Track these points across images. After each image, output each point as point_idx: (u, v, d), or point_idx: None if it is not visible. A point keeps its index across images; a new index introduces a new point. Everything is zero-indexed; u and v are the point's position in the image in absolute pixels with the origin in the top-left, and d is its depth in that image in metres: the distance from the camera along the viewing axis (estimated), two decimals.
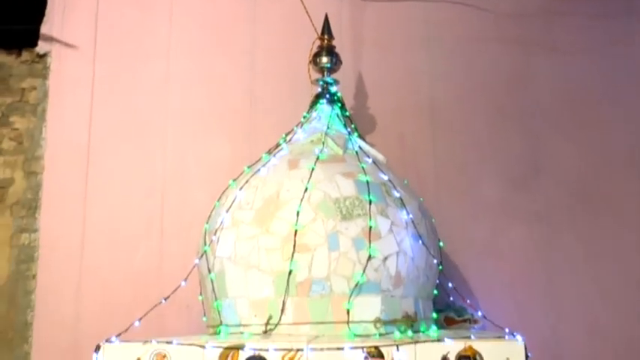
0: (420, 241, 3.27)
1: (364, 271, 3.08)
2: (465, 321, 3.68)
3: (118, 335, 3.03)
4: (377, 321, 3.10)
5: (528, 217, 4.29)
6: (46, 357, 4.37)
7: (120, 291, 4.29)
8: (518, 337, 2.83)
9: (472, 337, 2.85)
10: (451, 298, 3.81)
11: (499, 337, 2.88)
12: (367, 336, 3.00)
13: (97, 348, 2.95)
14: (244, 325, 3.16)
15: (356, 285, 3.07)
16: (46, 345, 4.40)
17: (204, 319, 3.52)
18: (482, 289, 4.02)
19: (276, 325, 3.09)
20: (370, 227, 3.13)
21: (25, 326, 4.48)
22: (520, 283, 4.19)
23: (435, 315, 3.50)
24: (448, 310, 3.72)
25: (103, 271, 4.41)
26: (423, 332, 3.21)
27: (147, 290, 3.93)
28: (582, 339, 4.08)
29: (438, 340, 2.84)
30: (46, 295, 4.47)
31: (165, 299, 3.40)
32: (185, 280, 3.42)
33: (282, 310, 3.09)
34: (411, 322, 3.19)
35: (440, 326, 3.56)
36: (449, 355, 2.79)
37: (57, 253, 4.49)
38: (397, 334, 3.03)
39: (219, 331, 3.23)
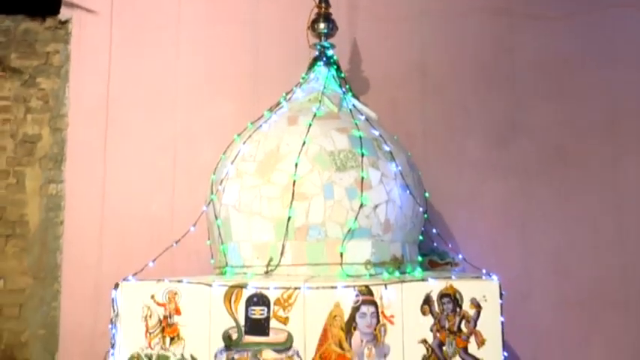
0: (408, 191, 3.23)
1: (356, 218, 3.04)
2: (447, 264, 3.66)
3: (135, 275, 3.01)
4: (367, 263, 3.07)
5: (506, 172, 4.25)
6: (74, 294, 4.41)
7: (137, 237, 4.29)
8: (494, 277, 2.80)
9: (453, 277, 2.83)
10: (435, 244, 3.78)
11: (477, 277, 2.86)
12: (358, 276, 2.98)
13: (116, 286, 2.94)
14: (247, 267, 3.14)
15: (349, 230, 3.04)
16: (73, 284, 4.43)
17: (212, 261, 3.50)
18: (463, 236, 4.00)
19: (276, 266, 3.07)
20: (362, 178, 3.09)
21: (55, 267, 4.50)
22: (497, 230, 4.17)
23: (420, 258, 3.47)
24: (432, 254, 3.70)
25: (122, 218, 4.41)
26: (409, 273, 3.20)
27: (161, 236, 3.90)
28: (550, 279, 4.11)
29: (423, 280, 2.82)
30: (72, 239, 4.48)
31: (177, 242, 3.37)
32: (194, 225, 3.39)
33: (282, 253, 3.06)
34: (398, 264, 3.17)
35: (424, 268, 3.54)
36: (432, 294, 2.78)
37: (81, 202, 4.50)
38: (386, 275, 3.01)
39: (225, 272, 3.21)
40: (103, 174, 4.47)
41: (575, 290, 4.10)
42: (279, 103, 3.67)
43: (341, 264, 3.01)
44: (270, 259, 3.07)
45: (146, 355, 2.86)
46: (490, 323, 2.73)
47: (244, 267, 3.14)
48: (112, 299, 2.92)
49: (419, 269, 3.30)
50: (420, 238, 3.51)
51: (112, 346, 2.90)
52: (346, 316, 2.76)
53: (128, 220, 4.37)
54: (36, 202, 4.56)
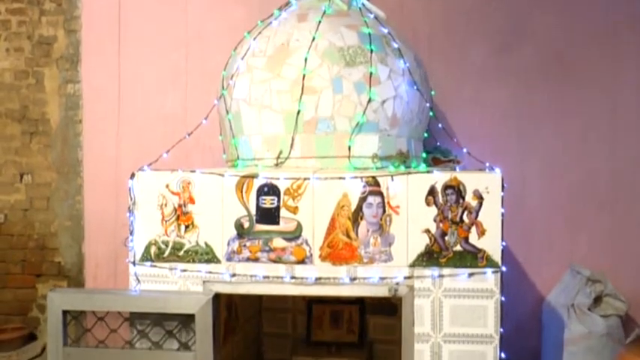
0: (415, 87, 3.02)
1: (364, 112, 2.85)
2: (449, 161, 3.50)
3: (150, 165, 2.86)
4: (374, 156, 2.91)
5: (508, 78, 4.01)
6: (95, 187, 4.31)
7: (152, 133, 4.12)
8: (497, 170, 2.65)
9: (457, 169, 2.65)
10: (438, 143, 3.60)
11: (480, 170, 2.69)
12: (365, 169, 2.83)
13: (132, 176, 2.81)
14: (258, 159, 2.98)
15: (357, 124, 2.86)
16: (94, 178, 4.33)
17: (224, 156, 3.34)
18: (465, 137, 3.79)
19: (286, 158, 2.91)
20: (371, 73, 2.87)
21: (76, 162, 4.38)
22: (495, 134, 3.97)
23: (424, 155, 3.30)
24: (435, 151, 3.53)
25: (137, 116, 4.24)
26: (414, 168, 3.03)
27: (175, 132, 3.71)
28: (543, 181, 3.95)
29: (427, 172, 2.66)
30: (91, 136, 4.34)
31: (189, 134, 3.21)
32: (206, 118, 3.22)
33: (292, 146, 2.90)
34: (404, 158, 3.00)
35: (428, 165, 3.37)
36: (436, 185, 2.63)
37: (98, 101, 4.33)
38: (391, 168, 2.85)
39: (237, 165, 3.06)
40: (118, 74, 4.26)
41: (565, 192, 3.96)
42: (288, 3, 3.38)
43: (349, 157, 2.85)
44: (280, 152, 2.91)
45: (163, 242, 2.76)
46: (491, 214, 2.60)
47: (255, 160, 2.99)
48: (129, 188, 2.79)
49: (423, 165, 3.13)
50: (425, 135, 3.33)
51: (131, 233, 2.79)
52: (353, 206, 2.63)
53: (143, 118, 4.21)
54: (55, 102, 4.38)
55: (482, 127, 4.03)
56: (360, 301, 4.12)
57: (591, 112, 3.97)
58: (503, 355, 2.63)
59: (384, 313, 4.09)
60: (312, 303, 4.14)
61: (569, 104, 3.99)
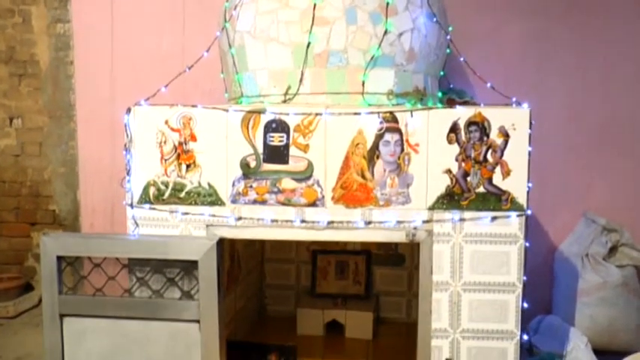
0: (434, 19, 2.74)
1: (380, 45, 2.58)
2: (464, 102, 3.24)
3: (147, 100, 2.59)
4: (389, 93, 2.66)
5: (527, 13, 3.72)
6: (89, 131, 4.05)
7: (148, 74, 3.80)
8: (525, 105, 2.40)
9: (482, 105, 2.41)
10: (451, 85, 3.35)
11: (507, 105, 2.44)
12: (380, 106, 2.56)
13: (128, 110, 2.55)
14: (264, 96, 2.72)
15: (371, 58, 2.59)
16: (88, 122, 4.06)
17: (226, 95, 3.07)
18: (482, 73, 3.52)
19: (294, 95, 2.65)
20: (387, 3, 2.60)
21: (69, 106, 4.12)
22: (514, 71, 3.72)
23: (440, 94, 3.04)
24: (450, 92, 3.27)
25: (132, 58, 3.95)
26: None
27: (173, 71, 3.40)
28: (560, 123, 3.71)
29: (450, 107, 2.40)
30: (84, 78, 4.05)
31: (190, 68, 2.93)
32: (207, 50, 2.93)
33: (301, 81, 2.63)
34: (420, 96, 2.76)
35: (443, 105, 3.12)
36: (459, 121, 2.39)
37: (89, 41, 4.02)
38: (408, 107, 2.59)
39: (241, 102, 2.79)
40: (111, 11, 3.95)
41: (583, 135, 3.74)
42: None
43: (362, 93, 2.60)
44: (288, 87, 2.65)
45: (162, 183, 2.53)
46: (517, 153, 2.38)
47: (260, 96, 2.73)
48: (125, 124, 2.54)
49: (439, 105, 2.87)
50: (442, 73, 3.06)
51: (128, 173, 2.55)
52: (369, 144, 2.40)
53: (139, 58, 3.92)
54: (44, 42, 4.09)
55: (498, 66, 3.76)
56: (366, 252, 3.93)
57: (613, 53, 3.71)
58: (525, 305, 2.44)
59: (391, 264, 3.92)
60: (316, 253, 3.96)
61: (590, 45, 3.73)
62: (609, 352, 3.34)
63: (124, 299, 2.54)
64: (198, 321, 2.45)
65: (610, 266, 3.44)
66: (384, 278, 3.92)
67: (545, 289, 3.72)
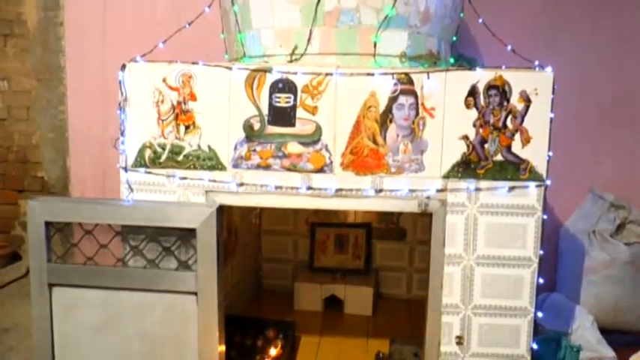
0: None
1: (394, 5, 2.38)
2: None
3: (143, 56, 2.38)
4: (402, 55, 2.47)
5: None
6: (80, 96, 3.83)
7: (142, 37, 3.53)
8: (548, 69, 2.23)
9: (503, 67, 2.23)
10: (461, 53, 3.16)
11: (529, 68, 2.27)
12: (394, 68, 2.37)
13: (123, 67, 2.33)
14: (268, 56, 2.53)
15: (385, 17, 2.40)
16: (78, 86, 3.84)
17: (226, 56, 2.86)
18: (489, 45, 3.33)
19: (302, 55, 2.46)
20: None
21: (58, 69, 3.88)
22: (525, 43, 3.50)
23: (452, 60, 2.86)
24: (461, 59, 3.08)
25: (126, 18, 3.72)
26: None
27: (167, 31, 3.19)
28: (571, 92, 3.52)
29: (469, 69, 2.23)
30: (74, 40, 3.82)
31: (189, 24, 2.71)
32: (209, 6, 2.71)
33: (309, 40, 2.44)
34: (434, 59, 2.58)
35: None
36: (478, 85, 2.21)
37: (80, 2, 3.73)
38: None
39: (243, 62, 2.59)
40: None
41: (593, 109, 3.59)
42: None
43: (374, 55, 2.41)
44: (295, 47, 2.45)
45: (159, 145, 2.34)
46: (538, 120, 2.22)
47: (265, 57, 2.53)
48: (119, 82, 2.34)
49: None
50: (454, 38, 2.87)
51: (122, 134, 2.35)
52: (382, 107, 2.22)
53: (132, 23, 3.69)
54: (32, 1, 3.80)
55: (510, 35, 3.57)
56: (366, 225, 3.78)
57: (630, 25, 3.54)
58: (541, 281, 2.30)
59: (392, 238, 3.77)
60: (315, 226, 3.80)
61: (606, 14, 3.55)
62: (615, 331, 3.23)
63: (117, 269, 2.37)
64: (195, 293, 2.28)
65: (618, 243, 3.31)
66: (384, 253, 3.78)
67: (549, 267, 3.58)
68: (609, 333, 3.12)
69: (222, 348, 2.39)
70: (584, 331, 3.07)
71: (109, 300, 2.37)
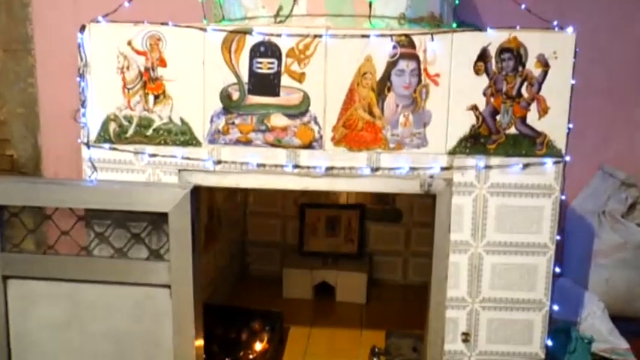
0: None
1: None
2: None
3: (106, 16, 2.04)
4: (401, 17, 2.16)
5: None
6: (50, 67, 3.48)
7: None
8: (569, 29, 1.92)
9: (518, 27, 1.92)
10: (462, 20, 2.83)
11: (547, 29, 1.95)
12: (393, 29, 2.05)
13: (82, 28, 2.00)
14: (250, 19, 2.21)
15: None
16: (48, 56, 3.49)
17: (205, 20, 2.52)
18: (498, 11, 3.02)
19: (287, 17, 2.14)
20: None
21: (26, 38, 3.52)
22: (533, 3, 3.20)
23: (454, 25, 2.54)
24: (463, 25, 2.76)
25: None
26: None
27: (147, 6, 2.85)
28: (583, 60, 3.14)
29: (479, 30, 1.91)
30: (43, 7, 3.43)
31: None
32: None
33: (295, 0, 2.10)
34: (436, 23, 2.25)
35: None
36: (489, 47, 1.90)
37: None
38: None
39: None
40: None
41: (605, 76, 3.26)
42: None
43: (369, 16, 2.09)
44: (280, 9, 2.14)
45: (125, 117, 2.02)
46: (558, 87, 1.94)
47: (246, 19, 2.21)
48: (78, 45, 2.01)
49: None
50: (456, 1, 2.54)
51: (83, 105, 2.03)
52: (379, 74, 1.93)
53: None
54: None
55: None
56: (360, 206, 3.50)
57: None
58: (557, 270, 2.02)
59: (387, 220, 3.51)
60: (304, 207, 3.53)
61: None
62: (625, 318, 2.98)
63: (81, 259, 2.10)
64: (168, 286, 2.00)
65: (630, 225, 3.05)
66: (378, 236, 3.53)
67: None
68: (620, 321, 2.87)
69: (200, 342, 2.11)
70: (594, 320, 2.83)
71: (72, 294, 2.11)
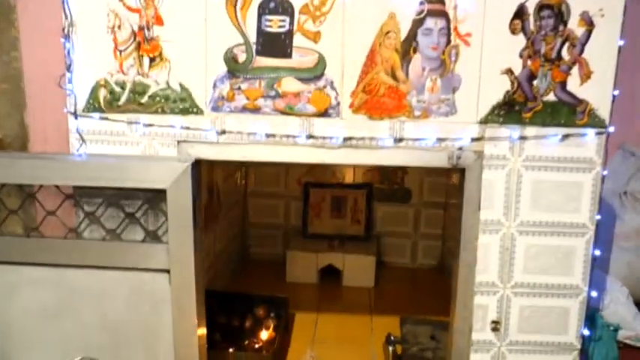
0: None
1: None
2: None
3: None
4: None
5: None
6: (36, 39, 3.18)
7: None
8: None
9: None
10: None
11: None
12: None
13: None
14: None
15: None
16: (34, 27, 3.19)
17: None
18: None
19: None
20: None
21: (8, 8, 3.22)
22: None
23: None
24: None
25: None
26: None
27: None
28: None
29: None
30: None
31: None
32: None
33: None
34: None
35: None
36: (527, 3, 1.68)
37: None
38: None
39: None
40: None
41: (629, 46, 3.01)
42: None
43: None
44: None
45: (117, 83, 1.80)
46: (603, 49, 1.74)
47: None
48: (62, 2, 1.75)
49: None
50: None
51: (68, 69, 1.79)
52: (404, 33, 1.74)
53: None
54: None
55: None
56: (367, 185, 3.30)
57: None
58: (597, 252, 1.82)
59: (396, 201, 3.33)
60: (309, 187, 3.33)
61: None
62: None
63: (69, 241, 1.90)
64: (167, 270, 1.79)
65: None
66: (386, 217, 3.36)
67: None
68: None
69: (203, 331, 1.91)
70: (617, 306, 2.66)
71: (60, 280, 1.92)
